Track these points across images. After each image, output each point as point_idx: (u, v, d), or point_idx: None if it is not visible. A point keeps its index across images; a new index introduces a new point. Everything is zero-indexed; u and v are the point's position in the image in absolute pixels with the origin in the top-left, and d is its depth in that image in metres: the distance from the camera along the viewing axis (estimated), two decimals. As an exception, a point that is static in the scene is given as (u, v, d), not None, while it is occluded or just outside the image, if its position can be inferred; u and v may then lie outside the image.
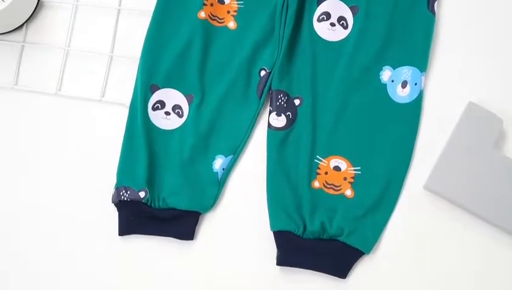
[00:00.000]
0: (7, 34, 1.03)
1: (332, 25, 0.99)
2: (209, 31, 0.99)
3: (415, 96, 0.97)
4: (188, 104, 0.98)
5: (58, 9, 1.03)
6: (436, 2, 0.98)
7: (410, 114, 0.96)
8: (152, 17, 0.99)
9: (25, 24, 1.02)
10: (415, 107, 0.96)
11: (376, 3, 0.98)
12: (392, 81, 0.97)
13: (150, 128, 0.97)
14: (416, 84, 0.96)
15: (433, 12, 0.98)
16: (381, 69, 0.97)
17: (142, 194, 0.95)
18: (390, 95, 0.97)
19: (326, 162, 0.96)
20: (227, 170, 0.97)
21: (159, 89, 0.98)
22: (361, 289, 0.93)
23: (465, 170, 0.93)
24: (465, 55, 0.98)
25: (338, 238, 0.93)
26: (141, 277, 0.95)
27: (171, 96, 0.98)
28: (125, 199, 0.95)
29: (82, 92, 1.00)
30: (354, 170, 0.95)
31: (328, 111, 0.97)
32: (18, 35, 1.03)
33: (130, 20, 1.02)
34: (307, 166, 0.95)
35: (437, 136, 0.95)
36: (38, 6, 1.02)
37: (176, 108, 0.98)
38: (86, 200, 0.98)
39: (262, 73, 0.98)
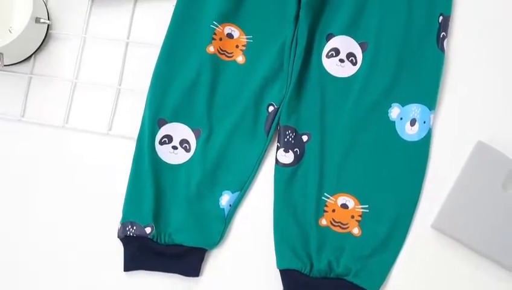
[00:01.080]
0: (15, 65, 1.03)
1: (341, 61, 0.99)
2: (218, 65, 0.99)
3: (424, 134, 0.96)
4: (196, 139, 0.98)
5: (67, 41, 1.03)
6: (445, 40, 0.98)
7: (419, 152, 0.96)
8: (161, 50, 0.99)
9: (33, 55, 1.02)
10: (423, 145, 0.96)
11: (385, 40, 0.98)
12: (401, 118, 0.97)
13: (157, 162, 0.97)
14: (425, 122, 0.96)
15: (442, 50, 0.98)
16: (390, 106, 0.97)
17: (148, 230, 0.94)
18: (398, 133, 0.97)
19: (334, 199, 0.95)
20: (234, 206, 0.97)
21: (167, 123, 0.98)
22: (368, 329, 0.92)
23: (474, 209, 0.92)
24: (474, 93, 0.98)
25: (345, 277, 0.92)
26: (146, 312, 0.95)
27: (179, 130, 0.98)
28: (131, 234, 0.94)
29: (89, 125, 1.00)
30: (362, 208, 0.95)
31: (336, 148, 0.96)
32: (26, 67, 1.02)
33: (138, 52, 1.02)
34: (314, 203, 0.95)
35: (445, 175, 0.94)
36: (47, 37, 1.03)
37: (183, 143, 0.98)
38: (92, 234, 0.97)
39: (271, 109, 0.98)
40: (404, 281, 0.93)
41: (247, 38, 1.00)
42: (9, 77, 1.02)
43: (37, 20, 0.97)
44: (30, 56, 1.02)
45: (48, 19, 1.02)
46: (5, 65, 1.00)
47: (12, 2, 0.97)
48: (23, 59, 1.02)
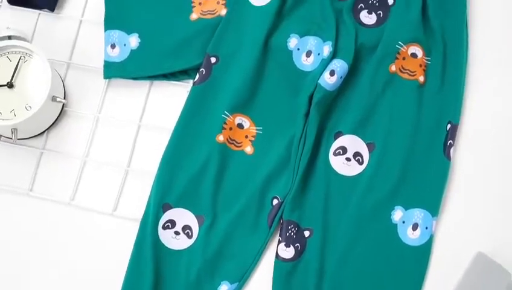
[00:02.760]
0: (28, 139, 1.04)
1: (348, 159, 1.00)
2: (226, 154, 1.00)
3: (425, 240, 0.96)
4: (199, 226, 0.98)
5: (80, 119, 1.05)
6: (452, 148, 0.99)
7: (419, 258, 0.96)
8: (172, 135, 1.01)
9: (46, 131, 1.04)
10: (424, 251, 0.96)
11: (393, 143, 0.99)
12: (403, 222, 0.97)
13: (158, 247, 0.97)
14: (427, 228, 0.96)
15: (448, 157, 0.99)
16: (393, 209, 0.98)
17: (144, 314, 0.94)
18: (400, 236, 0.97)
19: (333, 298, 0.95)
20: (232, 298, 0.97)
21: (172, 208, 0.98)
22: None
23: (471, 319, 0.92)
24: (478, 203, 0.98)
25: None
26: None
27: (183, 216, 0.98)
28: (127, 316, 0.95)
29: (95, 204, 1.01)
30: (360, 309, 0.95)
31: (337, 246, 0.97)
32: (38, 141, 1.04)
33: (149, 135, 1.04)
34: (312, 301, 0.95)
35: (444, 283, 0.94)
36: (61, 114, 1.05)
37: (186, 229, 0.98)
38: (88, 314, 0.97)
39: (275, 202, 0.99)
40: None
41: (257, 130, 1.02)
42: (21, 151, 1.04)
43: (54, 98, 1.00)
44: (43, 131, 1.04)
45: (64, 97, 1.04)
46: (18, 139, 1.02)
47: (30, 79, 1.00)
48: (36, 134, 1.04)
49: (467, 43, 1.04)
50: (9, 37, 1.03)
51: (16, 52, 1.01)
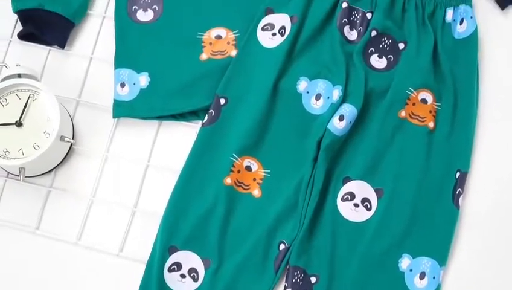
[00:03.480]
0: (35, 177, 1.04)
1: (356, 205, 0.99)
2: (234, 197, 1.00)
3: (432, 289, 0.96)
4: (205, 269, 0.98)
5: (89, 158, 1.04)
6: (461, 197, 0.99)
7: (425, 307, 0.96)
8: (179, 177, 1.00)
9: (54, 169, 1.04)
10: (431, 300, 0.96)
11: (402, 189, 0.99)
12: (411, 270, 0.96)
13: (164, 289, 0.97)
14: (434, 277, 0.96)
15: (457, 206, 0.98)
16: (401, 257, 0.97)
17: None
18: (407, 285, 0.96)
19: None
20: None
21: (178, 250, 0.98)
22: None
23: None
24: (487, 254, 0.98)
25: None
26: None
27: (189, 259, 0.98)
28: None
29: (101, 244, 1.01)
30: None
31: (342, 293, 0.97)
32: (46, 179, 1.04)
33: (157, 176, 1.03)
34: None
35: (450, 334, 0.94)
36: (69, 152, 1.04)
37: (192, 271, 0.98)
38: None
39: (282, 247, 0.98)
40: None
41: (265, 172, 1.02)
42: (28, 188, 1.03)
43: (62, 138, 0.99)
44: (51, 169, 1.04)
45: (73, 136, 1.04)
46: (26, 177, 1.02)
47: (39, 118, 1.00)
48: (44, 172, 1.04)
49: (477, 89, 1.03)
50: (19, 75, 1.02)
51: (25, 90, 1.01)
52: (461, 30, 1.03)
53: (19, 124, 0.99)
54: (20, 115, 1.00)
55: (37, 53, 1.09)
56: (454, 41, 1.03)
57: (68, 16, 1.07)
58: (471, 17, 1.03)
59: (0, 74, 1.07)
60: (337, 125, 0.99)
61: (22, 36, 1.08)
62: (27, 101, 1.00)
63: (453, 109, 1.02)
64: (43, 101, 1.01)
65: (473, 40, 1.03)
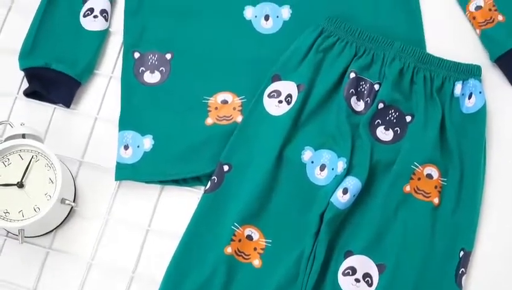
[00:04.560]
0: (35, 237, 1.03)
1: (357, 281, 0.97)
2: (234, 267, 0.98)
3: None
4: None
5: (89, 220, 1.04)
6: (464, 276, 0.97)
7: None
8: (179, 243, 0.99)
9: (54, 230, 1.03)
10: None
11: (404, 265, 0.97)
12: None
13: None
14: None
15: (460, 286, 0.97)
16: None
17: None
18: None
19: None
20: None
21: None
22: None
23: None
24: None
25: None
26: None
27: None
28: None
29: (98, 308, 1.00)
30: None
31: None
32: (45, 240, 1.03)
33: (157, 241, 1.02)
34: None
35: None
36: (70, 214, 1.04)
37: None
38: None
39: None
40: None
41: (266, 242, 1.00)
42: (26, 249, 1.02)
43: (63, 201, 0.99)
44: (51, 230, 1.03)
45: (75, 197, 1.03)
46: (25, 237, 1.01)
47: (41, 180, 0.99)
48: (43, 233, 1.03)
49: (484, 166, 1.02)
50: (23, 135, 1.02)
51: (28, 150, 1.00)
52: (470, 105, 1.03)
53: (20, 185, 0.99)
54: (22, 176, 0.99)
55: (42, 111, 1.08)
56: (462, 115, 1.02)
57: (74, 76, 1.07)
58: (480, 92, 1.02)
59: (5, 131, 1.07)
60: (341, 199, 0.98)
61: (28, 94, 1.08)
62: (30, 162, 1.00)
63: (458, 185, 1.01)
64: (45, 162, 1.00)
65: (481, 115, 1.02)
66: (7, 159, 1.00)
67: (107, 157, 1.06)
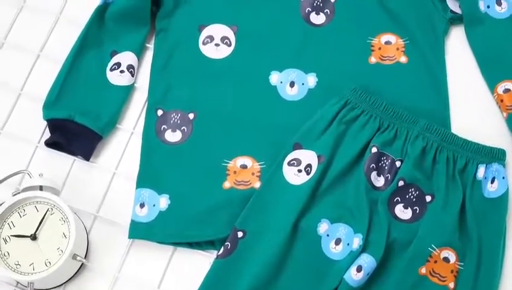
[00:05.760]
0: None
1: None
2: None
3: None
4: None
5: (99, 276, 1.02)
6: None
7: None
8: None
9: (64, 284, 1.03)
10: None
11: None
12: None
13: None
14: None
15: None
16: None
17: None
18: None
19: None
20: None
21: None
22: None
23: None
24: None
25: None
26: None
27: None
28: None
29: None
30: None
31: None
32: (55, 293, 1.04)
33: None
34: None
35: None
36: (81, 268, 1.03)
37: None
38: None
39: None
40: None
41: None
42: (36, 300, 1.03)
43: (74, 257, 0.98)
44: (61, 284, 1.03)
45: (87, 252, 1.03)
46: (34, 289, 1.01)
47: (54, 234, 0.99)
48: (53, 287, 1.02)
49: (503, 253, 1.00)
50: (41, 187, 1.02)
51: (44, 202, 1.00)
52: (492, 189, 1.01)
53: (33, 237, 0.99)
54: (36, 228, 0.99)
55: (61, 161, 1.08)
56: (483, 199, 1.01)
57: (97, 130, 1.07)
58: (503, 178, 1.00)
59: (23, 181, 1.08)
60: (354, 277, 0.96)
61: (49, 144, 1.08)
62: (45, 215, 1.00)
63: (475, 271, 0.98)
64: (60, 216, 1.00)
65: (503, 201, 1.00)
66: (23, 210, 1.00)
67: (123, 213, 1.05)
